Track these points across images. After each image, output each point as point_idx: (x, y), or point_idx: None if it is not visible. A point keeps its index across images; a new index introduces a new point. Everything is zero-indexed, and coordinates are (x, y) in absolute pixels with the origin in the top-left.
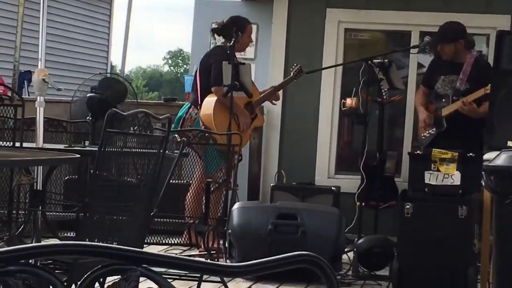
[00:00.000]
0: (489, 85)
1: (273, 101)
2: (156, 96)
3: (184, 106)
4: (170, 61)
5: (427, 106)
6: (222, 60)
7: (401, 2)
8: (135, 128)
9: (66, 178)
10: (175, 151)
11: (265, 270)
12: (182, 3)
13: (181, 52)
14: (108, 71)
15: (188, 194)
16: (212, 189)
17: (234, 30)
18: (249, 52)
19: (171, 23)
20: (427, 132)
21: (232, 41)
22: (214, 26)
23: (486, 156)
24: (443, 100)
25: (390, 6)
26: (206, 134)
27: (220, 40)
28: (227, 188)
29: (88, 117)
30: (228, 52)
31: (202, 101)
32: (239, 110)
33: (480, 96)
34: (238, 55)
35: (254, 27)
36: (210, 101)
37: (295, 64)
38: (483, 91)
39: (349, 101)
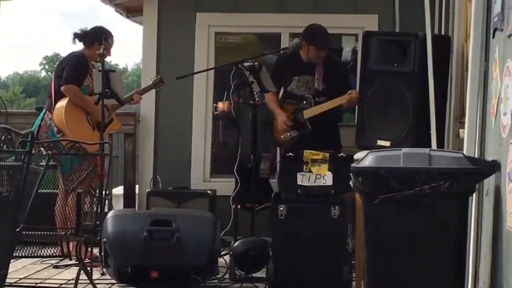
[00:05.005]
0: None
1: (132, 104)
2: (34, 102)
3: (41, 113)
4: (47, 66)
5: (281, 106)
6: (75, 62)
7: (271, 5)
8: None
9: None
10: (41, 163)
11: None
12: (58, 7)
13: (58, 56)
14: None
15: (56, 204)
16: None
17: (93, 39)
18: None
19: (48, 27)
20: (287, 133)
21: (102, 49)
22: (77, 31)
23: (357, 156)
24: (304, 102)
25: (259, 9)
26: (76, 145)
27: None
28: (100, 198)
29: None
30: (81, 58)
31: (55, 105)
32: (91, 107)
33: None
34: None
35: None
36: (61, 103)
37: (155, 75)
38: (348, 96)
39: (220, 105)
